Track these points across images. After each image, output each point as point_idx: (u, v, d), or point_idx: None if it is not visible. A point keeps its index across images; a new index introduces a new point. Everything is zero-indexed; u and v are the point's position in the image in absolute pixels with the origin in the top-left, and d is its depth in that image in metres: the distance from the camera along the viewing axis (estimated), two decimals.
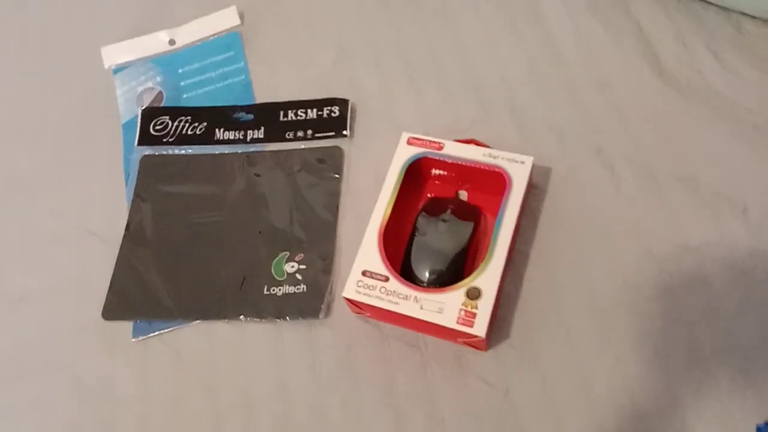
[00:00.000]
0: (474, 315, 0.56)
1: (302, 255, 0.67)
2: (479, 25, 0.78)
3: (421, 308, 0.58)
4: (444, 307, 0.57)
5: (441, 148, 0.65)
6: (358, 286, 0.60)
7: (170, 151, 0.75)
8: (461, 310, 0.57)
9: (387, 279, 0.59)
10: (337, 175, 0.71)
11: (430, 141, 0.65)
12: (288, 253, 0.67)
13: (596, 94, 0.72)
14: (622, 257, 0.62)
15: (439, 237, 0.62)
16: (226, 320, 0.66)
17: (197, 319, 0.66)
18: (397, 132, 0.68)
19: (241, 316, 0.66)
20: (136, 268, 0.70)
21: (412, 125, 0.71)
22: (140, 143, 0.76)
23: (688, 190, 0.65)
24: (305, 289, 0.65)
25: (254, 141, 0.74)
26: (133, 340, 0.67)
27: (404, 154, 0.65)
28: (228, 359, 0.64)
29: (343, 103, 0.74)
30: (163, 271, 0.69)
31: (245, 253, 0.68)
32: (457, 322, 0.56)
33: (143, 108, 0.78)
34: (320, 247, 0.67)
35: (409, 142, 0.66)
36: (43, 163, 0.79)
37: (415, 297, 0.58)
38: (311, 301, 0.65)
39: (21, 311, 0.70)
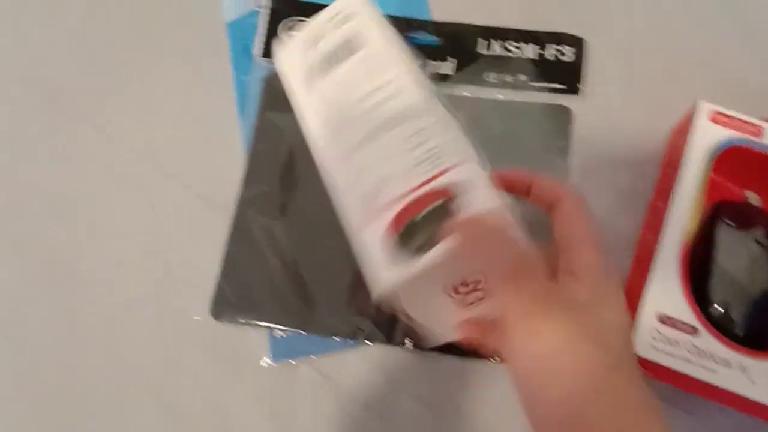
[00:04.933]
0: None
1: None
2: None
3: (753, 383, 0.38)
4: None
5: (760, 134, 0.44)
6: (655, 340, 0.39)
7: None
8: None
9: (695, 331, 0.39)
10: (561, 152, 0.48)
11: (745, 122, 0.44)
12: None
13: None
14: None
15: (749, 264, 0.42)
16: (402, 346, 0.45)
17: (350, 338, 0.45)
18: (644, 89, 0.49)
19: (406, 343, 0.44)
20: (258, 246, 0.47)
21: (658, 81, 0.50)
22: (265, 54, 0.51)
23: None
24: None
25: (437, 78, 0.50)
26: (272, 364, 0.45)
27: (708, 136, 0.43)
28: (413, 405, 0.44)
29: (576, 43, 0.51)
30: (299, 255, 0.46)
31: None
32: None
33: None
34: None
35: (713, 119, 0.44)
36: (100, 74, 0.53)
37: (741, 364, 0.38)
38: None
39: (89, 299, 0.47)
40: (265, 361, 0.45)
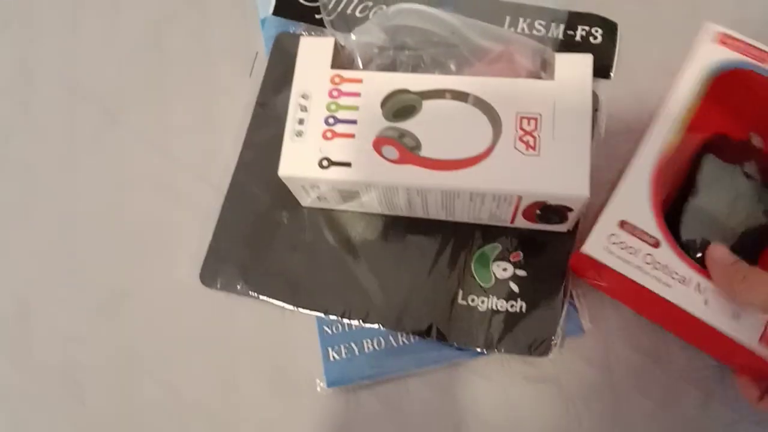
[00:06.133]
0: None
1: (520, 254, 0.43)
2: None
3: (706, 304, 0.36)
4: (742, 310, 0.36)
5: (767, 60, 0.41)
6: (610, 243, 0.38)
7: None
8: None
9: (657, 243, 0.38)
10: None
11: (753, 46, 0.41)
12: (499, 246, 0.43)
13: None
14: None
15: (734, 198, 0.40)
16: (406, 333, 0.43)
17: (341, 316, 0.43)
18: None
19: (408, 335, 0.43)
20: (254, 208, 0.45)
21: None
22: (277, 12, 0.49)
23: None
24: (523, 309, 0.42)
25: None
26: (327, 388, 0.43)
27: (710, 55, 0.41)
28: None
29: (608, 27, 0.48)
30: (285, 236, 0.45)
31: (430, 232, 0.44)
32: (762, 340, 0.35)
33: None
34: (553, 246, 0.43)
35: (721, 41, 0.41)
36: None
37: (698, 283, 0.37)
38: (534, 330, 0.41)
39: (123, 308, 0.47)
40: (320, 385, 0.43)
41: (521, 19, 0.48)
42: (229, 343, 0.44)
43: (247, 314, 0.44)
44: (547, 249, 0.42)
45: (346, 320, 0.43)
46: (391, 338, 0.43)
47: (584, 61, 0.39)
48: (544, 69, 0.40)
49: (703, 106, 0.40)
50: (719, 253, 0.37)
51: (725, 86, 0.41)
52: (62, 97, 0.51)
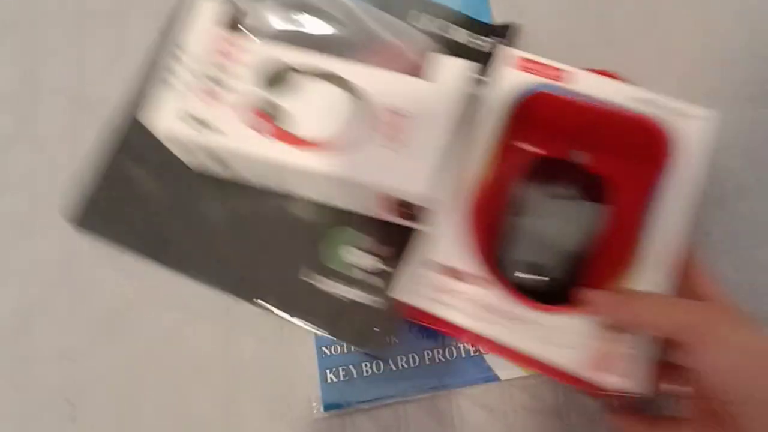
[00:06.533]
0: (620, 358, 0.37)
1: (372, 242, 0.44)
2: None
3: (542, 341, 0.38)
4: (575, 339, 0.38)
5: (566, 80, 0.41)
6: (429, 288, 0.39)
7: None
8: (597, 349, 0.37)
9: (482, 282, 0.39)
10: None
11: (551, 66, 0.42)
12: (351, 229, 0.44)
13: None
14: None
15: (553, 223, 0.42)
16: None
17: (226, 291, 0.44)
18: None
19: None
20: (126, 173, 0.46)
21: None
22: None
23: None
24: (371, 302, 0.43)
25: None
26: (324, 412, 0.43)
27: (511, 82, 0.42)
28: None
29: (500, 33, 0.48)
30: (161, 191, 0.46)
31: (298, 210, 0.45)
32: (595, 368, 0.37)
33: None
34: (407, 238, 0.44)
35: (521, 66, 0.42)
36: None
37: (522, 318, 0.38)
38: (378, 324, 0.43)
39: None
40: (316, 408, 0.43)
41: (425, 16, 0.48)
42: (226, 362, 0.45)
43: (244, 332, 0.45)
44: (413, 246, 0.43)
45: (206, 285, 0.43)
46: (390, 362, 0.44)
47: (461, 67, 0.40)
48: (427, 68, 0.41)
49: (515, 130, 0.42)
50: (585, 295, 0.38)
51: (532, 109, 0.42)
52: (66, 107, 0.50)
